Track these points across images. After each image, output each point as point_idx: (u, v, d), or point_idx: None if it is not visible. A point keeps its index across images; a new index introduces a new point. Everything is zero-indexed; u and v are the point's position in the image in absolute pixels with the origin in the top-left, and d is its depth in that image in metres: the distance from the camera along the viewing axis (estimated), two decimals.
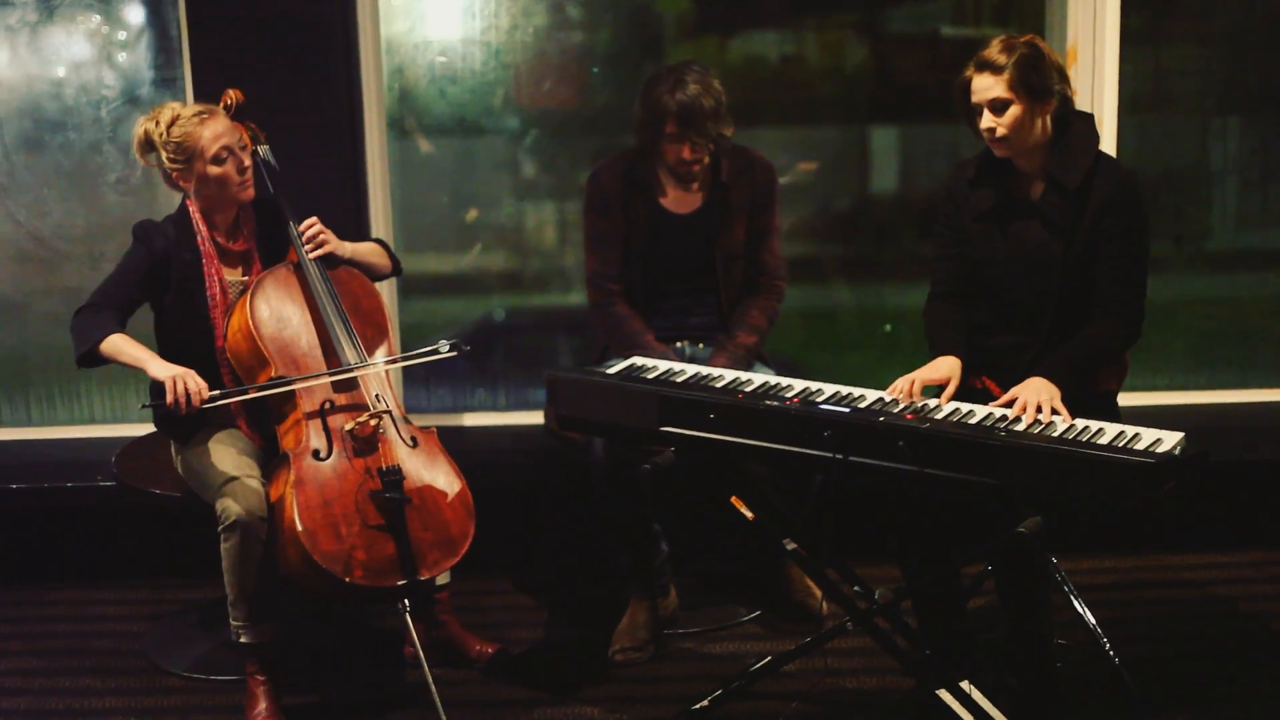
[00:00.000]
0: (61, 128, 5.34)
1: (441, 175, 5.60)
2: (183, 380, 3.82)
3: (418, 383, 5.55)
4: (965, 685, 3.61)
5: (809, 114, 5.68)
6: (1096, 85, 5.13)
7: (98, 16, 5.28)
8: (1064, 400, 3.54)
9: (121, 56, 5.30)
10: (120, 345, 3.92)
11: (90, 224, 5.41)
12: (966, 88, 3.76)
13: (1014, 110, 3.68)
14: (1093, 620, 4.15)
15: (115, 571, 5.00)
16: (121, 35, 5.30)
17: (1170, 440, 3.28)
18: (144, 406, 3.94)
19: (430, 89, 5.42)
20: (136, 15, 5.29)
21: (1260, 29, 5.46)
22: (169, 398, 3.81)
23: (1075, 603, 4.19)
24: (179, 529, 4.64)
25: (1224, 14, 5.45)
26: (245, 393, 3.97)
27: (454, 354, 4.10)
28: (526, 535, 4.99)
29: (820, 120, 5.69)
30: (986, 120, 3.71)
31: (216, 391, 3.89)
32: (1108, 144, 5.15)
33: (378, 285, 4.31)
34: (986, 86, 3.70)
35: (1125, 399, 4.00)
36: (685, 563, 4.77)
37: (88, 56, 5.31)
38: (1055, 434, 3.37)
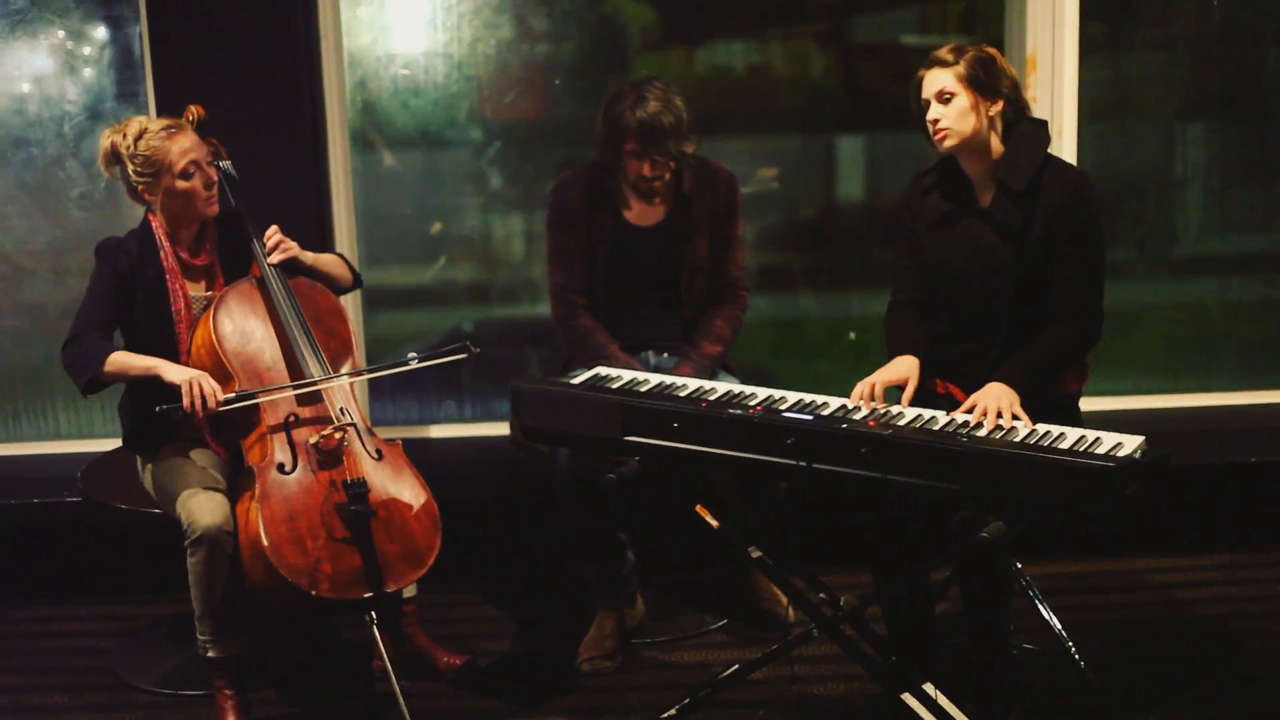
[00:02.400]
0: (24, 143, 5.33)
1: (406, 187, 5.60)
2: (198, 383, 3.84)
3: (383, 395, 5.56)
4: (930, 689, 3.63)
5: (775, 123, 5.70)
6: (1056, 93, 5.17)
7: (61, 32, 5.27)
8: (1024, 404, 3.56)
9: (84, 72, 5.29)
10: (125, 360, 3.94)
11: (54, 239, 5.40)
12: (919, 86, 3.82)
13: (959, 102, 3.73)
14: (1058, 625, 4.17)
15: (83, 587, 4.99)
16: (84, 51, 5.29)
17: (1131, 444, 3.30)
18: (159, 410, 3.86)
19: (393, 101, 5.42)
20: (99, 31, 5.29)
21: (1220, 34, 5.50)
22: (185, 401, 3.82)
23: (1040, 607, 4.21)
24: (146, 544, 4.62)
25: (1184, 20, 5.49)
26: (255, 396, 3.96)
27: (464, 355, 4.07)
28: (494, 547, 4.99)
29: (786, 129, 5.71)
30: (932, 112, 3.76)
31: (232, 394, 3.90)
32: (1068, 151, 5.20)
33: (342, 299, 4.32)
34: (935, 79, 3.77)
35: (1089, 403, 4.03)
36: (653, 572, 4.77)
37: (50, 72, 5.30)
38: (1017, 439, 3.39)
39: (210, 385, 3.86)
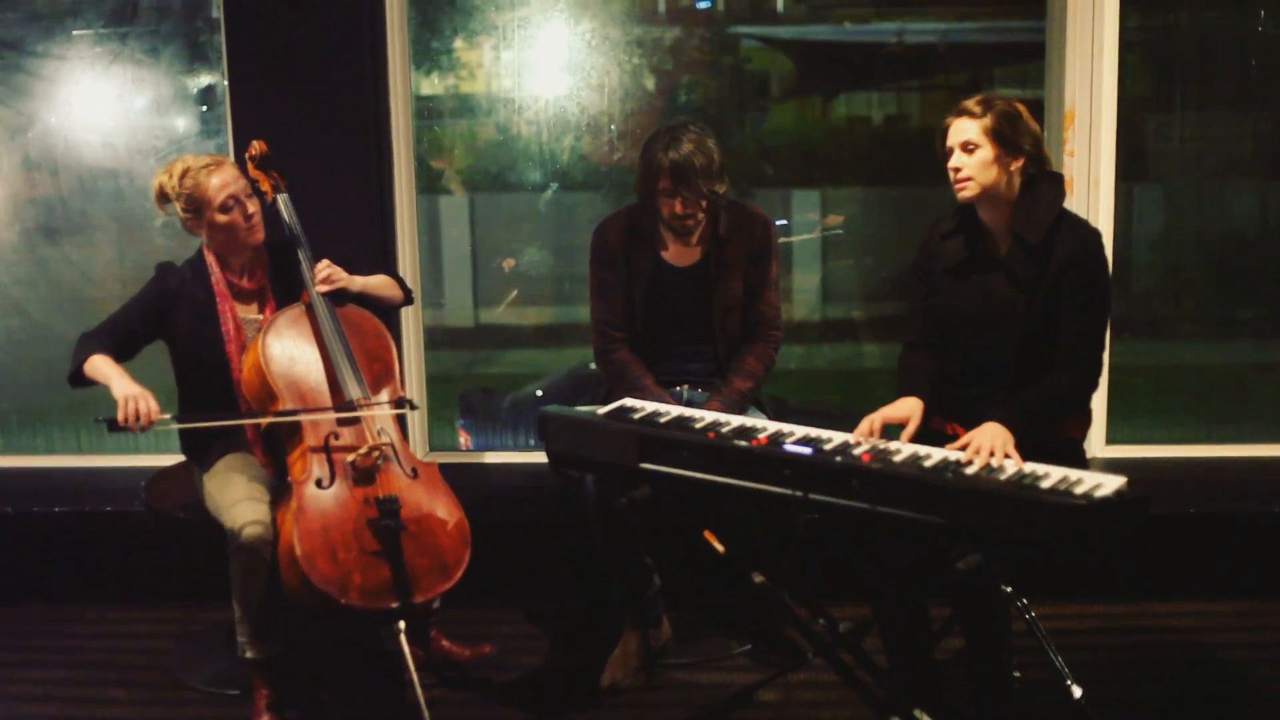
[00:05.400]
0: (114, 175, 5.66)
1: (540, 230, 5.84)
2: (134, 400, 4.06)
3: (443, 421, 5.79)
4: (920, 715, 3.77)
5: (909, 174, 5.77)
6: (1094, 146, 5.26)
7: (147, 71, 5.60)
8: (1022, 446, 3.67)
9: (170, 109, 5.62)
10: (97, 365, 4.19)
11: (140, 265, 5.73)
12: (945, 133, 3.95)
13: (982, 154, 3.85)
14: (1060, 662, 4.25)
15: (149, 591, 5.28)
16: (171, 89, 5.61)
17: (1111, 485, 3.36)
18: (96, 420, 4.13)
19: (525, 146, 5.68)
20: (183, 70, 5.61)
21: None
22: (119, 415, 4.06)
23: (1045, 645, 4.30)
24: (207, 551, 4.85)
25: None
26: (196, 420, 4.24)
27: (404, 410, 4.40)
28: (531, 566, 5.20)
29: (921, 181, 5.77)
30: (955, 160, 3.88)
31: (167, 415, 4.12)
32: (1105, 203, 5.28)
33: (399, 321, 4.53)
34: (961, 129, 3.89)
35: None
36: (682, 596, 4.93)
37: (138, 108, 5.63)
38: (1002, 477, 3.48)
39: (147, 405, 4.06)
